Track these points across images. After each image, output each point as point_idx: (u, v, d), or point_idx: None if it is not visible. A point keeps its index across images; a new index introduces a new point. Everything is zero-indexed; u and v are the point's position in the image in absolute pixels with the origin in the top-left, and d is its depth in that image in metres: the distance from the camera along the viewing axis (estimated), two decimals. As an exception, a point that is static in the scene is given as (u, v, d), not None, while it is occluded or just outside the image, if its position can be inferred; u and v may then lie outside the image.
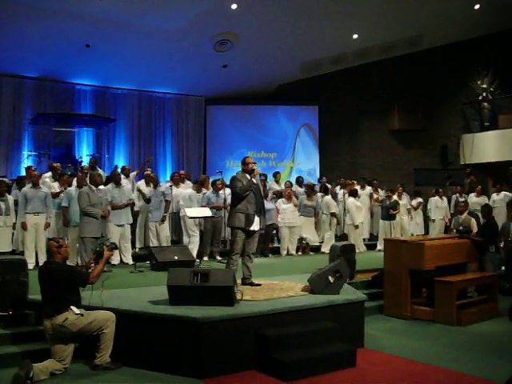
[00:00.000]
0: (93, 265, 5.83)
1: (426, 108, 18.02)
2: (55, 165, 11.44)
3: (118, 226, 10.11)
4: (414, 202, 14.27)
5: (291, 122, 19.14)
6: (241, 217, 7.36)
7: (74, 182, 10.78)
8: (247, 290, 6.88)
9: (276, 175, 14.67)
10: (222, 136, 18.71)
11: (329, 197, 13.07)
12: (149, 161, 14.04)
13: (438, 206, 14.08)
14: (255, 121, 18.81)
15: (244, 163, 7.65)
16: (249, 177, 7.49)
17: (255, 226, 7.48)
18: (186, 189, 11.96)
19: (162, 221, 10.90)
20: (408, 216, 13.71)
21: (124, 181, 11.40)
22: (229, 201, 10.50)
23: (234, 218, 7.41)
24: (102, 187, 9.46)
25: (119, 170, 12.27)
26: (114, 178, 10.55)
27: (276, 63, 17.10)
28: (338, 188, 14.53)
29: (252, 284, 7.43)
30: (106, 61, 15.44)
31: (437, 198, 14.14)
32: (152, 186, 11.33)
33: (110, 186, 10.34)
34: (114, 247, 6.09)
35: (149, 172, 12.00)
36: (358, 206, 12.74)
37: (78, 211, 9.20)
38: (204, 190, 11.56)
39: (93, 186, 9.11)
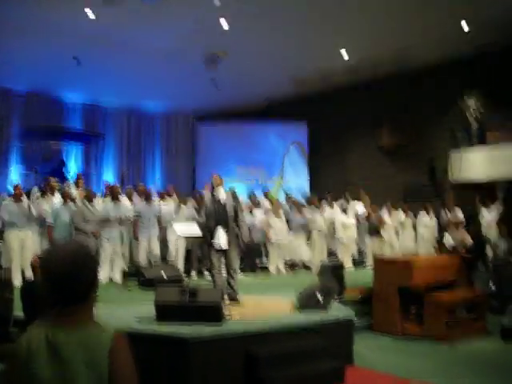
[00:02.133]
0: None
1: (413, 124, 18.13)
2: (53, 181, 11.23)
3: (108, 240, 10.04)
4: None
5: (281, 139, 19.19)
6: (208, 234, 7.42)
7: (57, 198, 10.64)
8: (236, 309, 6.84)
9: (267, 194, 14.72)
10: (211, 152, 18.72)
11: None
12: (123, 175, 13.97)
13: (426, 224, 14.11)
14: (244, 138, 18.84)
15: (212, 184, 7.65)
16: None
17: (222, 243, 7.39)
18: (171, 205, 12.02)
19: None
20: (396, 233, 13.75)
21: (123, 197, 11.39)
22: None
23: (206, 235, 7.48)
24: (98, 203, 9.51)
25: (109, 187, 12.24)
26: (112, 193, 10.52)
27: (266, 81, 17.15)
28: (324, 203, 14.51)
29: (234, 299, 7.38)
30: (96, 77, 15.44)
31: (424, 214, 14.17)
32: (144, 200, 11.25)
33: (108, 199, 10.34)
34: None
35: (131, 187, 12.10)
36: (345, 223, 12.77)
37: (66, 226, 9.14)
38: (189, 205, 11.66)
39: (87, 202, 9.11)
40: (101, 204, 10.51)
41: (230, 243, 7.42)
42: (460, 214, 13.61)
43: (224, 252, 7.39)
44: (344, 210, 13.09)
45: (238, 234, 7.48)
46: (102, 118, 17.59)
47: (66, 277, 2.13)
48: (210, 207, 7.35)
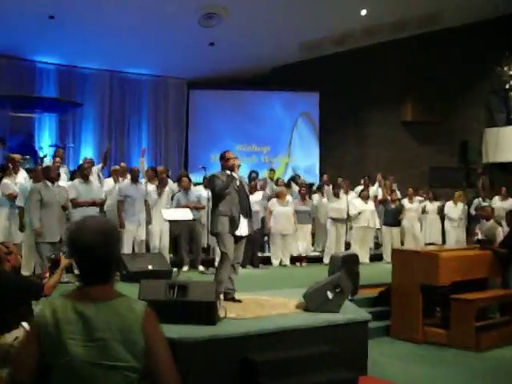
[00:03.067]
0: (47, 275, 5.76)
1: (444, 97, 18.02)
2: (14, 156, 11.24)
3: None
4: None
5: (287, 110, 19.15)
6: (224, 220, 7.33)
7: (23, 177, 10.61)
8: (231, 307, 6.83)
9: (270, 172, 14.71)
10: (207, 126, 18.68)
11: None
12: (108, 151, 13.88)
13: (455, 212, 14.09)
14: (245, 109, 18.80)
15: (222, 158, 7.64)
16: (228, 173, 7.46)
17: (242, 230, 7.46)
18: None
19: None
20: (419, 222, 13.75)
21: (94, 176, 11.37)
22: (204, 202, 10.56)
23: (216, 222, 7.37)
24: (63, 183, 9.41)
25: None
26: (81, 172, 10.47)
27: (271, 42, 17.05)
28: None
29: (234, 300, 7.37)
30: (73, 35, 15.35)
31: (451, 203, 14.15)
32: (130, 180, 11.19)
33: (76, 181, 10.27)
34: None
35: (117, 167, 12.01)
36: (364, 210, 12.77)
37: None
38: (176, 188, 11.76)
39: (48, 182, 9.04)
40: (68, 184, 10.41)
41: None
42: (500, 203, 13.55)
43: (235, 241, 7.43)
44: (360, 195, 13.06)
45: (248, 221, 7.58)
46: (79, 83, 17.50)
47: (97, 246, 2.39)
48: (230, 191, 7.38)
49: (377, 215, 13.24)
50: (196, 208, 11.20)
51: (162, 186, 11.32)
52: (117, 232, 2.52)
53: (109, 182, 11.78)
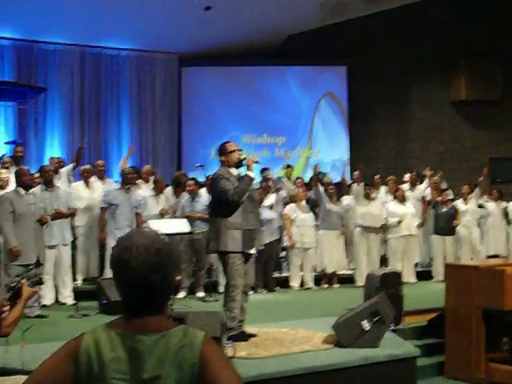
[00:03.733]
0: (7, 308, 5.77)
1: (505, 69, 17.99)
2: None
3: (50, 247, 10.08)
4: None
5: (307, 90, 19.15)
6: (236, 235, 7.26)
7: None
8: (242, 343, 6.85)
9: (287, 169, 14.69)
10: (205, 112, 18.70)
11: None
12: (82, 147, 13.95)
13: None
14: (254, 90, 18.83)
15: (224, 152, 7.54)
16: (236, 173, 7.42)
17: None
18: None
19: None
20: (479, 229, 13.74)
21: (63, 180, 11.44)
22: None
23: (225, 237, 7.25)
24: (36, 190, 9.51)
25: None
26: (43, 176, 10.53)
27: (284, 2, 17.04)
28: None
29: (243, 335, 7.36)
30: (33, 2, 15.41)
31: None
32: (121, 185, 11.29)
33: (37, 188, 10.33)
34: (38, 281, 6.04)
35: (87, 167, 12.11)
36: (404, 214, 12.76)
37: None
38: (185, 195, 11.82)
39: (21, 190, 9.11)
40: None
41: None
42: None
43: (246, 260, 7.41)
44: (395, 196, 13.02)
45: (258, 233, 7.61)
46: (42, 63, 17.53)
47: (151, 270, 2.38)
48: (245, 191, 7.33)
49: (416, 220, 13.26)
50: (202, 219, 11.20)
51: (158, 190, 11.49)
52: (172, 251, 2.50)
53: (78, 187, 11.81)
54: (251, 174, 7.39)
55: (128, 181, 11.15)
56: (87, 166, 12.47)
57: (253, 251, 7.45)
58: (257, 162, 7.63)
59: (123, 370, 2.32)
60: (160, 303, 2.45)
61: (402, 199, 13.01)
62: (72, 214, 10.83)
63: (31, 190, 9.43)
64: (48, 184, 10.36)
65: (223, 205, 7.32)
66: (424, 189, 14.30)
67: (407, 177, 14.56)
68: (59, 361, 2.37)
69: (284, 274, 12.87)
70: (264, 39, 18.93)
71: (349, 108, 19.15)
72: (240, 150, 7.59)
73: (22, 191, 9.11)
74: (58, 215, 9.99)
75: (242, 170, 7.54)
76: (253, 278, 7.69)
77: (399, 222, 12.66)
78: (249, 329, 7.49)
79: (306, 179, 14.85)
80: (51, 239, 10.15)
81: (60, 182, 11.60)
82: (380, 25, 18.44)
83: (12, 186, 10.31)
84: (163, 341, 2.35)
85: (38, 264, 8.70)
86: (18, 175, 9.36)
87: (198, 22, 17.19)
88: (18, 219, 8.95)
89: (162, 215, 11.40)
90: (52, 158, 13.54)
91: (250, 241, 7.32)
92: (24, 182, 9.17)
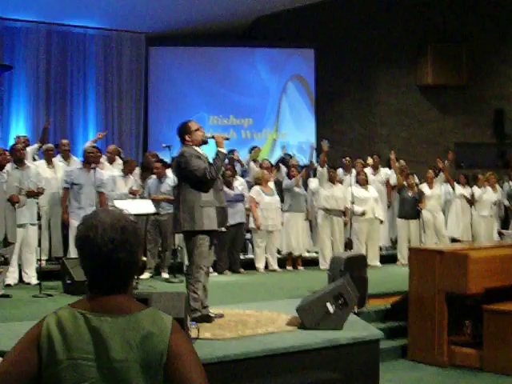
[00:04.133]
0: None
1: (472, 55, 18.07)
2: None
3: (18, 226, 10.01)
4: None
5: (274, 72, 19.11)
6: (211, 212, 7.18)
7: None
8: (206, 325, 6.84)
9: (252, 151, 14.65)
10: (172, 93, 18.62)
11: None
12: (47, 126, 13.86)
13: (488, 200, 14.19)
14: (221, 71, 18.78)
15: (188, 131, 7.40)
16: (201, 152, 7.36)
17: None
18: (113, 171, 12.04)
19: None
20: (443, 214, 13.82)
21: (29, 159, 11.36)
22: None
23: (201, 216, 7.11)
24: (8, 168, 9.46)
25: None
26: (14, 155, 10.46)
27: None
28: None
29: (209, 316, 7.32)
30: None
31: (485, 186, 14.27)
32: (82, 164, 11.24)
33: (8, 166, 10.26)
34: (2, 262, 6.00)
35: (50, 146, 12.05)
36: (366, 198, 12.79)
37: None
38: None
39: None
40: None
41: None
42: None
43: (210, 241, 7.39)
44: (357, 180, 13.04)
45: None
46: (7, 40, 17.36)
47: (116, 247, 2.38)
48: (219, 168, 7.33)
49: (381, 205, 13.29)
50: (168, 200, 11.15)
51: (128, 171, 11.48)
52: (138, 229, 2.50)
53: (41, 167, 11.72)
54: (223, 150, 7.33)
55: (90, 159, 11.10)
56: (50, 145, 12.38)
57: (223, 229, 7.47)
58: (227, 139, 7.57)
59: (88, 350, 2.32)
60: (125, 281, 2.45)
61: (364, 183, 13.02)
62: (40, 193, 10.77)
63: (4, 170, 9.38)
64: (19, 163, 10.28)
65: (199, 183, 7.18)
66: (389, 173, 14.36)
67: (370, 160, 14.59)
68: (22, 351, 2.36)
69: (249, 256, 12.88)
70: (233, 20, 18.85)
71: (316, 91, 19.14)
72: (202, 129, 7.54)
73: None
74: (30, 194, 9.94)
75: (204, 149, 7.49)
76: (212, 258, 7.68)
77: (363, 214, 12.68)
78: (214, 310, 7.47)
79: (273, 161, 14.84)
80: (21, 218, 10.10)
81: (27, 162, 11.55)
82: (348, 8, 18.43)
83: None
84: (131, 324, 2.36)
85: (7, 243, 8.65)
86: None
87: (165, 2, 17.06)
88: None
89: (131, 195, 11.36)
90: (18, 137, 13.42)
91: (223, 218, 7.33)
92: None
